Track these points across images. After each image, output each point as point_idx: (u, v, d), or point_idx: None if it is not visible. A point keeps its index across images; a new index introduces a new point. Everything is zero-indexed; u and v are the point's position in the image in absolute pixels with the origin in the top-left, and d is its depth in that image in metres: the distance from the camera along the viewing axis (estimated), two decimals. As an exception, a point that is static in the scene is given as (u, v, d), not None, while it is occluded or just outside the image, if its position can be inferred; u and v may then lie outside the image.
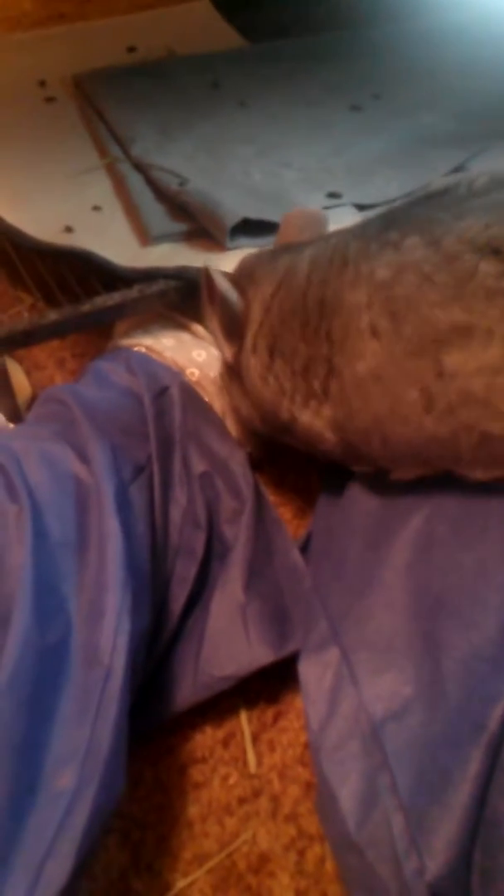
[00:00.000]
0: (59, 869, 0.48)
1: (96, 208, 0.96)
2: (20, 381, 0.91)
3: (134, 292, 0.85)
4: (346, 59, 1.25)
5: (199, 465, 0.76)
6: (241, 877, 0.59)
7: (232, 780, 0.63)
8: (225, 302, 0.69)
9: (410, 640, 0.57)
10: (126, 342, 0.87)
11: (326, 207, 0.91)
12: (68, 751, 0.53)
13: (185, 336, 0.87)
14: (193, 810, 0.62)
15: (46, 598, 0.58)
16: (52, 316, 0.82)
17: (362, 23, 1.36)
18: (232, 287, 0.70)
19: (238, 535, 0.72)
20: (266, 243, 0.86)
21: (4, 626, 0.56)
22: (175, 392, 0.79)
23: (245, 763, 0.64)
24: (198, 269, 0.80)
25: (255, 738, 0.66)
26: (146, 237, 0.92)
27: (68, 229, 0.92)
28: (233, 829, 0.61)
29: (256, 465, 0.80)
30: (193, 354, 0.84)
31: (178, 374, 0.82)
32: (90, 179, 1.01)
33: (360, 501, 0.70)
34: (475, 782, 0.48)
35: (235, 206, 0.89)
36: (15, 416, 0.85)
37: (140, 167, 1.00)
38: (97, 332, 0.95)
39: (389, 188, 0.96)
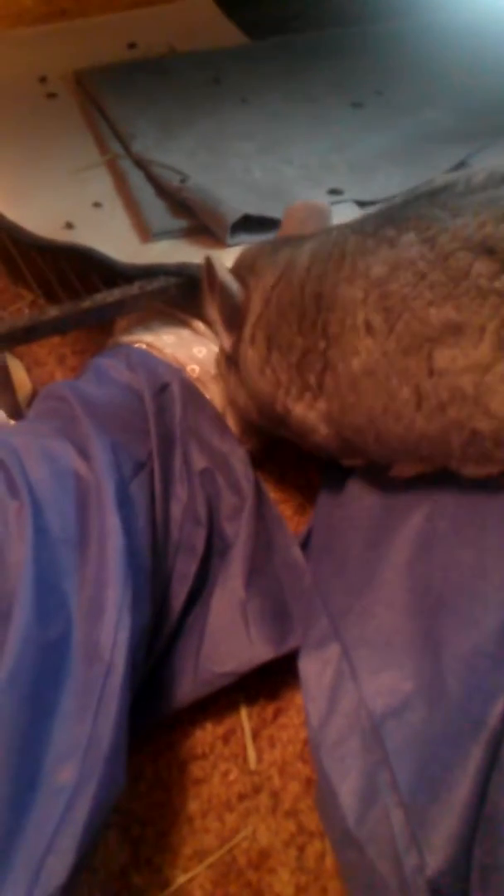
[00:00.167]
0: (60, 864, 0.49)
1: (97, 205, 0.96)
2: (21, 377, 0.91)
3: (134, 289, 0.84)
4: (348, 56, 1.24)
5: (199, 462, 0.76)
6: (241, 872, 0.59)
7: (232, 777, 0.63)
8: (225, 292, 0.69)
9: (411, 636, 0.57)
10: (126, 339, 0.87)
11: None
12: (69, 746, 0.53)
13: (186, 333, 0.87)
14: (194, 806, 0.62)
15: (47, 594, 0.58)
16: (53, 312, 0.82)
17: (364, 19, 1.36)
18: (233, 277, 0.70)
19: (238, 532, 0.72)
20: (267, 240, 0.86)
21: (5, 622, 0.56)
22: (175, 389, 0.79)
23: (245, 759, 0.64)
24: (198, 266, 0.80)
25: (256, 735, 0.66)
26: (147, 234, 0.91)
27: (69, 226, 0.92)
28: (233, 825, 0.61)
29: (257, 461, 0.80)
30: (194, 351, 0.84)
31: (178, 371, 0.82)
32: (91, 176, 1.01)
33: (360, 499, 0.70)
34: (475, 778, 0.48)
35: (236, 203, 0.89)
36: (15, 412, 0.85)
37: (141, 164, 1.00)
38: (98, 329, 0.95)
39: (391, 185, 0.96)
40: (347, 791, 0.53)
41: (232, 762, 0.64)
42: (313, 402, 0.65)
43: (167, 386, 0.79)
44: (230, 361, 0.75)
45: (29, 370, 0.95)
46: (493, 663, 0.52)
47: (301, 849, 0.60)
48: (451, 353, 0.55)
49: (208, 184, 0.93)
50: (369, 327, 0.59)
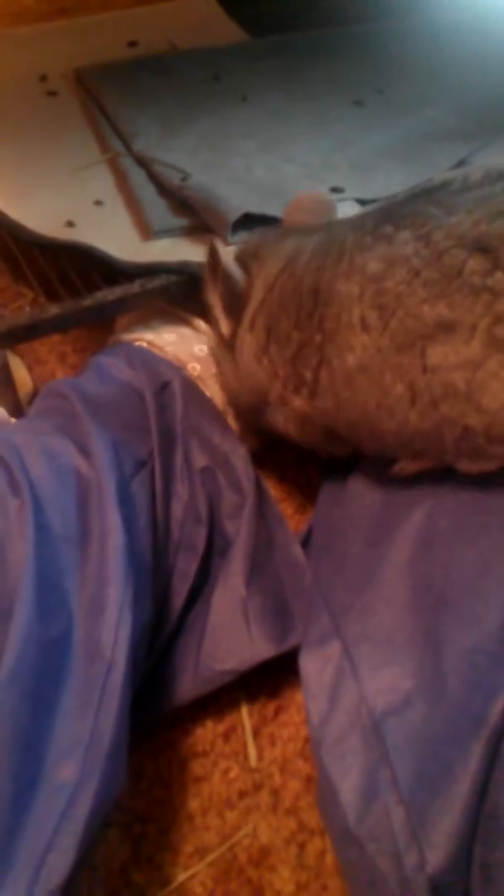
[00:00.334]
0: (61, 862, 0.49)
1: (98, 203, 0.96)
2: (22, 375, 0.91)
3: (135, 287, 0.84)
4: (349, 54, 1.24)
5: (200, 460, 0.76)
6: (241, 870, 0.59)
7: (233, 774, 0.63)
8: (228, 277, 0.69)
9: (411, 634, 0.57)
10: (127, 337, 0.87)
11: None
12: (70, 744, 0.53)
13: (187, 331, 0.87)
14: (194, 804, 0.62)
15: (48, 591, 0.58)
16: (54, 310, 0.82)
17: (365, 17, 1.36)
18: (236, 264, 0.70)
19: (239, 530, 0.72)
20: (268, 238, 0.86)
21: (7, 620, 0.56)
22: (176, 387, 0.79)
23: (246, 757, 0.64)
24: (199, 264, 0.80)
25: (256, 732, 0.66)
26: (148, 232, 0.91)
27: (70, 224, 0.92)
28: (233, 822, 0.61)
29: (258, 460, 0.80)
30: (195, 349, 0.84)
31: (179, 369, 0.82)
32: (92, 174, 1.01)
33: (361, 497, 0.70)
34: (476, 776, 0.48)
35: (237, 201, 0.89)
36: (16, 410, 0.85)
37: (142, 162, 1.00)
38: (98, 327, 0.95)
39: (392, 183, 0.96)
40: (348, 789, 0.53)
41: (233, 760, 0.64)
42: (308, 396, 0.66)
43: (168, 384, 0.80)
44: (227, 347, 0.75)
45: (30, 368, 0.95)
46: (493, 661, 0.52)
47: (301, 846, 0.60)
48: (444, 350, 0.56)
49: (209, 182, 0.93)
50: (364, 324, 0.59)
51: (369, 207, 0.79)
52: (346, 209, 0.91)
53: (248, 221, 0.88)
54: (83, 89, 1.18)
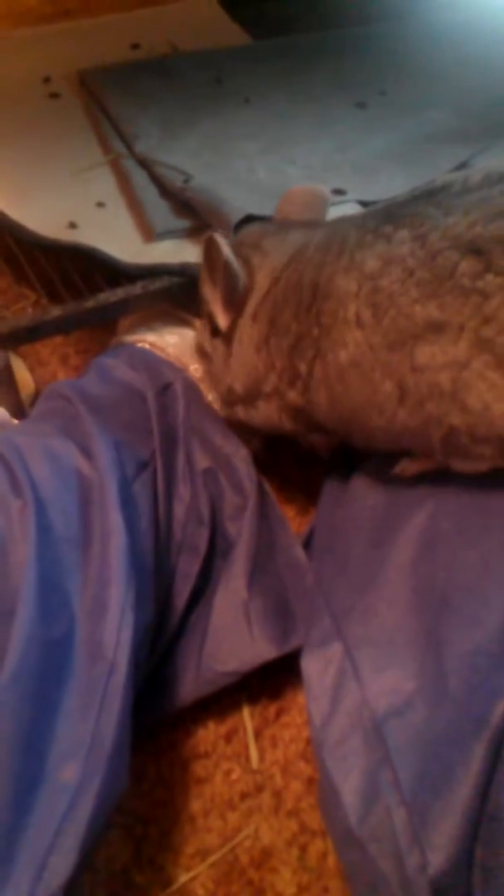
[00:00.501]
0: (63, 863, 0.49)
1: (100, 204, 0.96)
2: (24, 377, 0.91)
3: (137, 288, 0.85)
4: (352, 56, 1.24)
5: (202, 462, 0.76)
6: (243, 871, 0.59)
7: (234, 776, 0.63)
8: (229, 270, 0.69)
9: (413, 636, 0.57)
10: (129, 338, 0.87)
11: (331, 204, 0.91)
12: (72, 745, 0.53)
13: (189, 332, 0.87)
14: (196, 805, 0.62)
15: (50, 592, 0.58)
16: (56, 312, 0.82)
17: (368, 19, 1.36)
18: (235, 257, 0.70)
19: (241, 532, 0.72)
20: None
21: (9, 621, 0.56)
22: (178, 388, 0.79)
23: (247, 758, 0.64)
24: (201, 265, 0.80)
25: (258, 734, 0.66)
26: (150, 233, 0.92)
27: (72, 225, 0.92)
28: (235, 824, 0.61)
29: (259, 461, 0.80)
30: (197, 351, 0.84)
31: (181, 371, 0.82)
32: (94, 176, 1.01)
33: (363, 498, 0.70)
34: (477, 778, 0.48)
35: (239, 203, 0.89)
36: (18, 411, 0.85)
37: (144, 164, 1.00)
38: (101, 329, 0.95)
39: (394, 185, 0.96)
40: (349, 790, 0.53)
41: (234, 761, 0.64)
42: (302, 390, 0.66)
43: (170, 385, 0.80)
44: (220, 339, 0.74)
45: (32, 370, 0.95)
46: (495, 662, 0.52)
47: (303, 848, 0.60)
48: (431, 349, 0.56)
49: (212, 184, 0.93)
50: (359, 320, 0.60)
51: (373, 207, 0.80)
52: (349, 211, 0.92)
53: (250, 223, 0.89)
54: (86, 91, 1.18)
